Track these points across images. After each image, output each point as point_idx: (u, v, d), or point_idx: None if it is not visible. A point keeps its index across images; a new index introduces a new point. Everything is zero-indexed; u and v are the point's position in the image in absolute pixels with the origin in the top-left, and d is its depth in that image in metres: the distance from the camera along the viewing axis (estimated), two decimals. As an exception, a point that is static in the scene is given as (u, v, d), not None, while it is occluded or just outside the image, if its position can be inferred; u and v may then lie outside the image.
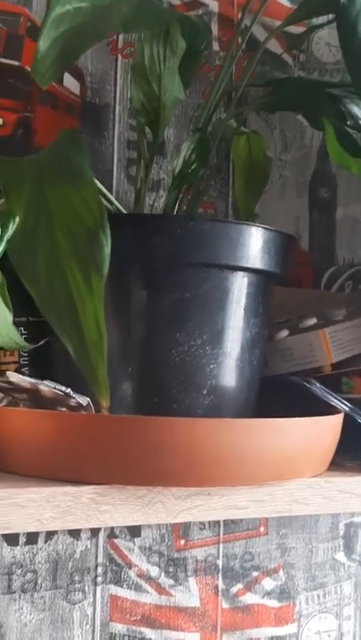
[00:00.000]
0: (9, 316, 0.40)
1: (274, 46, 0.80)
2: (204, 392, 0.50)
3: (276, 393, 0.57)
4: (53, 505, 0.40)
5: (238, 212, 0.73)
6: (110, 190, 0.71)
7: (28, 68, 0.69)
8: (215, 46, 0.77)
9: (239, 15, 0.77)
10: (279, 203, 0.80)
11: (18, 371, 0.54)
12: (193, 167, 0.51)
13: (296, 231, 0.81)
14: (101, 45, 0.71)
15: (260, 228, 0.51)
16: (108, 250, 0.33)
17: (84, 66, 0.71)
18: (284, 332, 0.59)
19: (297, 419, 0.46)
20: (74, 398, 0.44)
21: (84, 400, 0.44)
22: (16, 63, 0.68)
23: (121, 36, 0.71)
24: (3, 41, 0.68)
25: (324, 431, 0.48)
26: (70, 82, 0.71)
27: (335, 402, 0.55)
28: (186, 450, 0.42)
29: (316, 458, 0.48)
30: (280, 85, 0.56)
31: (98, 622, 0.69)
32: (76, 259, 0.32)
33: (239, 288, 0.51)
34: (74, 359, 0.33)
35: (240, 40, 0.61)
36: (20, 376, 0.45)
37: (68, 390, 0.43)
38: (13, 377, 0.45)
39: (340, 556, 0.80)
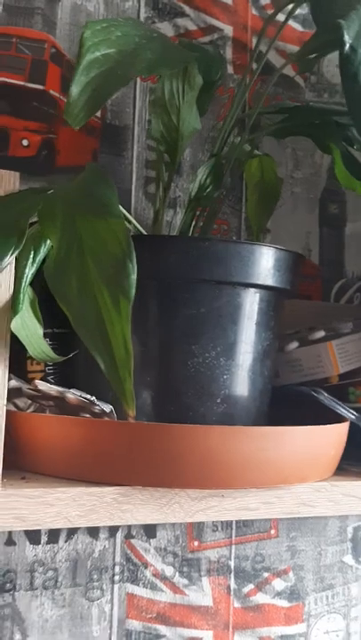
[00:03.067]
0: (40, 330, 0.43)
1: (287, 69, 0.83)
2: (218, 401, 0.54)
3: (287, 402, 0.60)
4: (79, 504, 0.43)
5: (251, 228, 0.77)
6: (129, 208, 0.74)
7: (53, 92, 0.73)
8: (229, 69, 0.80)
9: (253, 40, 0.81)
10: (290, 218, 0.83)
11: (43, 379, 0.58)
12: (208, 190, 0.55)
13: (306, 246, 0.84)
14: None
15: (270, 248, 0.54)
16: (134, 276, 0.37)
17: (105, 90, 0.75)
18: (294, 344, 0.62)
19: (305, 427, 0.49)
20: (98, 406, 0.47)
21: (107, 407, 0.48)
22: (41, 87, 0.72)
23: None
24: (28, 66, 0.72)
25: (330, 438, 0.51)
26: (92, 105, 0.75)
27: (342, 410, 0.59)
28: (202, 455, 0.45)
29: (322, 463, 0.51)
30: (291, 113, 0.59)
31: (115, 619, 0.72)
32: (106, 284, 0.36)
33: (251, 303, 0.55)
34: (104, 373, 0.36)
35: (255, 66, 0.64)
36: (48, 384, 0.49)
37: (93, 398, 0.47)
38: (41, 385, 0.48)
39: (348, 559, 0.83)
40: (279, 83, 0.82)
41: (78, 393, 0.47)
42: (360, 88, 0.40)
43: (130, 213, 0.74)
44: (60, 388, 0.48)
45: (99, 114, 0.75)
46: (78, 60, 0.39)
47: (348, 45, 0.39)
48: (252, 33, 0.82)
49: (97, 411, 0.48)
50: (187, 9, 0.78)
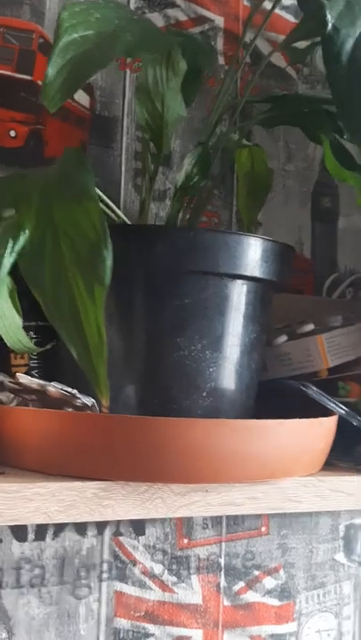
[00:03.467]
0: (19, 321, 0.42)
1: (278, 60, 0.82)
2: (204, 394, 0.53)
3: (275, 396, 0.59)
4: (59, 499, 0.42)
5: (242, 221, 0.76)
6: (118, 200, 0.73)
7: (40, 83, 0.72)
8: (221, 60, 0.79)
9: (242, 30, 0.80)
10: (282, 212, 0.82)
11: (27, 373, 0.57)
12: (195, 180, 0.54)
13: (299, 240, 0.83)
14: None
15: (258, 239, 0.53)
16: (109, 262, 0.36)
17: (94, 80, 0.74)
18: (283, 338, 0.61)
19: (291, 420, 0.48)
20: (79, 399, 0.46)
21: (89, 400, 0.47)
22: (29, 78, 0.71)
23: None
24: (16, 56, 0.71)
25: (317, 433, 0.50)
26: (80, 95, 0.74)
27: (331, 405, 0.58)
28: (185, 448, 0.44)
29: (309, 458, 0.50)
30: (281, 102, 0.58)
31: (103, 617, 0.71)
32: (80, 270, 0.35)
33: (238, 295, 0.54)
34: (77, 362, 0.35)
35: (243, 54, 0.63)
36: (30, 378, 0.48)
37: (75, 391, 0.46)
38: (23, 378, 0.47)
39: (340, 557, 0.82)
40: (271, 75, 0.81)
41: (60, 386, 0.46)
42: (343, 69, 0.39)
43: (118, 205, 0.73)
44: (41, 382, 0.47)
45: (87, 104, 0.74)
46: (55, 42, 0.38)
47: (330, 25, 0.38)
48: (243, 24, 0.81)
49: (79, 404, 0.47)
50: (177, -1, 0.77)
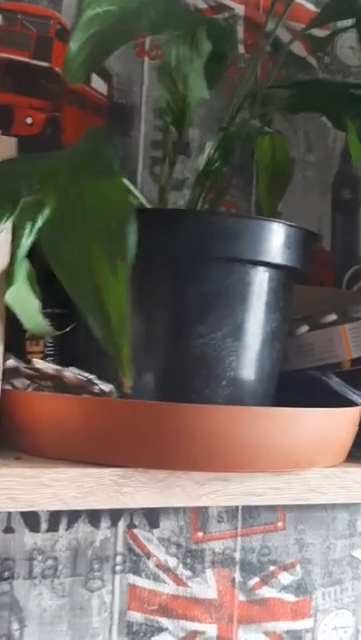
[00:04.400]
0: (36, 304, 0.41)
1: (299, 49, 0.81)
2: (224, 383, 0.52)
3: (296, 387, 0.58)
4: (77, 485, 0.41)
5: (261, 212, 0.75)
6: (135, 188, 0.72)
7: (58, 69, 0.71)
8: (241, 49, 0.78)
9: (264, 18, 0.79)
10: (302, 203, 0.81)
11: (43, 360, 0.56)
12: (216, 165, 0.53)
13: (318, 231, 0.82)
14: (129, 47, 0.73)
15: (281, 224, 0.52)
16: (133, 238, 0.35)
17: (112, 67, 0.73)
18: (305, 328, 0.60)
19: (315, 409, 0.47)
20: (97, 385, 0.46)
21: (106, 387, 0.46)
22: (46, 64, 0.71)
23: (148, 39, 0.73)
24: (33, 43, 0.70)
25: (341, 423, 0.49)
26: (98, 83, 0.73)
27: (354, 397, 0.56)
28: (207, 436, 0.43)
29: (332, 449, 0.49)
30: (304, 87, 0.57)
31: (116, 610, 0.70)
32: (104, 246, 0.34)
33: (260, 282, 0.53)
34: (100, 340, 0.34)
35: (265, 42, 0.62)
36: (46, 363, 0.47)
37: (92, 376, 0.45)
38: (39, 364, 0.47)
39: (358, 553, 0.81)
40: (292, 64, 0.80)
41: (77, 371, 0.45)
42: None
43: (136, 194, 0.72)
44: (57, 367, 0.46)
45: (105, 92, 0.73)
46: (78, 15, 0.37)
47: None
48: (264, 12, 0.80)
49: (96, 390, 0.46)
50: (197, -14, 0.76)
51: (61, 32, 0.71)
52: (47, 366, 0.47)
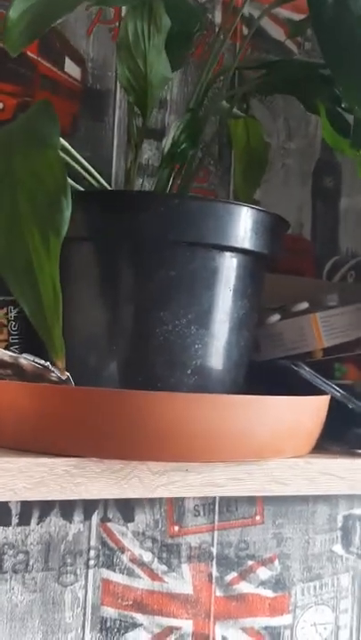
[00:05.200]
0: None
1: (279, 34, 0.80)
2: (189, 372, 0.50)
3: (267, 377, 0.57)
4: (27, 475, 0.40)
5: (239, 199, 0.73)
6: (109, 175, 0.71)
7: (30, 54, 0.69)
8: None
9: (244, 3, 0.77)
10: (282, 191, 0.79)
11: (7, 349, 0.55)
12: (183, 147, 0.51)
13: (299, 220, 0.80)
14: (103, 31, 0.72)
15: (248, 208, 0.51)
16: (67, 213, 0.33)
17: (86, 52, 0.71)
18: (276, 317, 0.59)
19: (278, 397, 0.45)
20: (54, 372, 0.44)
21: (64, 375, 0.44)
22: (18, 49, 0.69)
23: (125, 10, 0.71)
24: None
25: (306, 412, 0.48)
26: (71, 67, 0.71)
27: (325, 387, 0.55)
28: (164, 425, 0.42)
29: (298, 438, 0.47)
30: (274, 67, 0.55)
31: (89, 605, 0.69)
32: (36, 221, 0.33)
33: (227, 268, 0.51)
34: (30, 319, 0.33)
35: (233, 20, 0.61)
36: (2, 350, 0.45)
37: (47, 364, 0.44)
38: (-5, 351, 0.45)
39: (338, 548, 0.80)
40: (271, 49, 0.78)
41: (31, 358, 0.44)
42: (328, 10, 0.36)
43: (110, 180, 0.71)
44: (13, 354, 0.45)
45: (79, 77, 0.71)
46: (19, -17, 0.36)
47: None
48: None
49: (53, 378, 0.44)
50: (174, -31, 0.75)
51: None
52: (3, 353, 0.46)
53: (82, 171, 0.47)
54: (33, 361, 0.44)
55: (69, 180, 0.47)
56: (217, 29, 0.76)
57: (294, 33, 0.73)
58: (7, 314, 0.55)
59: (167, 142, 0.50)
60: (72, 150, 0.46)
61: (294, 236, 0.79)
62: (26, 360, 0.44)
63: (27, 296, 0.32)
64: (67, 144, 0.45)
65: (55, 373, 0.45)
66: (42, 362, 0.45)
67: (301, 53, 0.81)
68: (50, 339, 0.33)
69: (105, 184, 0.50)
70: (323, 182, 0.82)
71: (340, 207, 0.83)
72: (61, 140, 0.41)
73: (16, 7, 0.35)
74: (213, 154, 0.74)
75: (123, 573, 0.70)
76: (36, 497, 0.40)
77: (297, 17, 0.76)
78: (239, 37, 0.76)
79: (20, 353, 0.54)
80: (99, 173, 0.53)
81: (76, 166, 0.47)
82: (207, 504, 0.73)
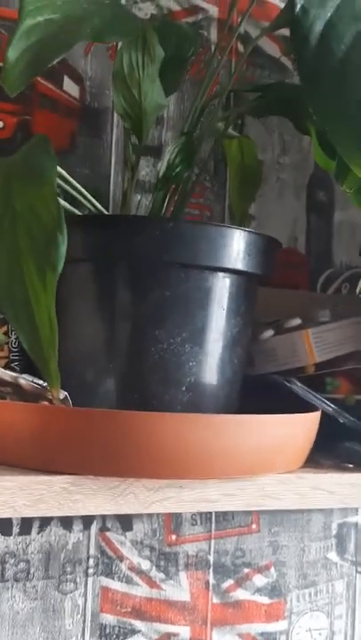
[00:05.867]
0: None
1: (274, 50, 0.81)
2: (183, 389, 0.52)
3: (260, 392, 0.58)
4: (27, 493, 0.42)
5: (234, 214, 0.75)
6: (107, 192, 0.72)
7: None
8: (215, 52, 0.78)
9: (239, 21, 0.79)
10: (277, 205, 0.81)
11: (7, 366, 0.56)
12: (178, 170, 0.53)
13: (293, 234, 0.82)
14: (101, 50, 0.73)
15: (240, 231, 0.52)
16: (63, 249, 0.35)
17: (84, 70, 0.73)
18: (269, 332, 0.60)
19: (269, 415, 0.47)
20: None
21: (61, 394, 0.46)
22: (18, 68, 0.70)
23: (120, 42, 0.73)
24: (4, 46, 0.70)
25: (297, 428, 0.49)
26: (70, 86, 0.73)
27: (317, 401, 0.56)
28: (157, 443, 0.44)
29: (288, 454, 0.49)
30: (268, 90, 0.57)
31: (89, 613, 0.70)
32: (34, 255, 0.34)
33: (220, 288, 0.53)
34: (27, 351, 0.35)
35: (229, 40, 0.62)
36: (2, 369, 0.47)
37: (45, 384, 0.45)
38: (-4, 371, 0.47)
39: (333, 556, 0.81)
40: (266, 65, 0.80)
41: (30, 378, 0.45)
42: (311, 51, 0.37)
43: (107, 198, 0.72)
44: (13, 374, 0.46)
45: (77, 95, 0.73)
46: (18, 24, 0.37)
47: (298, 6, 0.37)
48: (237, 14, 0.79)
49: (51, 397, 0.46)
50: (170, -12, 0.76)
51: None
52: (4, 373, 0.47)
53: (79, 196, 0.49)
54: (32, 381, 0.45)
55: (67, 205, 0.48)
56: (212, 47, 0.77)
57: (289, 50, 0.75)
58: (7, 332, 0.56)
59: (162, 165, 0.52)
60: (69, 178, 0.48)
61: (289, 249, 0.81)
62: (25, 380, 0.46)
63: (24, 328, 0.34)
64: (64, 172, 0.47)
65: (53, 393, 0.46)
66: (40, 382, 0.46)
67: (295, 69, 0.82)
68: (46, 369, 0.34)
69: (101, 208, 0.52)
70: (317, 196, 0.83)
71: (333, 220, 0.84)
72: (58, 169, 0.43)
73: (15, 47, 0.36)
74: (209, 170, 0.76)
75: (121, 581, 0.72)
76: (36, 514, 0.42)
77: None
78: (234, 54, 0.77)
79: (21, 369, 0.56)
80: (97, 190, 0.54)
81: (74, 192, 0.49)
82: (204, 514, 0.75)
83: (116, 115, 0.74)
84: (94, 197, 0.52)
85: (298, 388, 0.56)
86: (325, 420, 0.54)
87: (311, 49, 0.37)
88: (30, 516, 0.41)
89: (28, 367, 0.57)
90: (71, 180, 0.47)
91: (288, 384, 0.55)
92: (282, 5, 0.81)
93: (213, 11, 0.79)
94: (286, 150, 0.82)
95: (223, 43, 0.79)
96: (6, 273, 0.34)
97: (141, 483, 0.44)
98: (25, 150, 0.39)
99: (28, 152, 0.38)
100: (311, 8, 0.37)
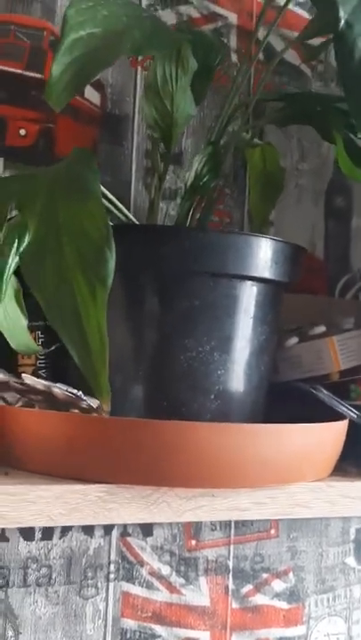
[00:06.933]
0: (24, 322, 0.42)
1: (293, 57, 0.81)
2: (212, 397, 0.52)
3: (286, 399, 0.59)
4: (63, 502, 0.42)
5: (253, 221, 0.75)
6: (128, 199, 0.73)
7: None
8: (234, 58, 0.78)
9: (255, 26, 0.79)
10: (295, 211, 0.81)
11: (34, 373, 0.57)
12: (205, 180, 0.53)
13: (311, 239, 0.82)
14: (122, 58, 0.73)
15: (267, 240, 0.53)
16: (112, 263, 0.35)
17: (105, 78, 0.73)
18: (294, 340, 0.61)
19: (299, 425, 0.47)
20: (85, 401, 0.46)
21: (94, 402, 0.46)
22: (39, 76, 0.71)
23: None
24: (27, 54, 0.71)
25: (326, 437, 0.49)
26: (91, 93, 0.73)
27: (342, 408, 0.57)
28: (191, 453, 0.44)
29: (318, 463, 0.49)
30: (293, 100, 0.57)
31: (110, 617, 0.71)
32: (83, 271, 0.34)
33: (247, 296, 0.53)
34: (78, 366, 0.35)
35: (256, 51, 0.63)
36: (35, 378, 0.47)
37: (80, 393, 0.45)
38: (28, 379, 0.47)
39: (351, 561, 0.81)
40: (285, 72, 0.80)
41: (64, 387, 0.46)
42: (356, 66, 0.38)
43: (129, 204, 0.73)
44: (46, 382, 0.47)
45: (98, 102, 0.73)
46: (61, 40, 0.38)
47: (343, 21, 0.37)
48: (257, 20, 0.80)
49: (84, 406, 0.46)
50: (190, -5, 0.77)
51: (55, 43, 0.71)
52: (36, 382, 0.48)
53: (110, 205, 0.49)
54: (66, 390, 0.46)
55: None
56: (232, 55, 0.77)
57: (309, 57, 0.75)
58: (35, 339, 0.57)
59: (189, 176, 0.52)
60: (103, 189, 0.48)
61: (307, 255, 0.81)
62: (59, 389, 0.46)
63: (75, 343, 0.34)
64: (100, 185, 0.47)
65: (86, 402, 0.47)
66: (74, 391, 0.46)
67: (315, 76, 0.82)
68: (97, 383, 0.34)
69: (132, 217, 0.52)
70: (335, 202, 0.83)
71: (351, 226, 0.84)
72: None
73: (59, 62, 0.37)
74: (229, 176, 0.76)
75: (142, 586, 0.72)
76: (72, 522, 0.42)
77: (312, 41, 0.78)
78: (255, 62, 0.78)
79: (48, 377, 0.56)
80: (118, 197, 0.55)
81: (106, 203, 0.49)
82: (215, 520, 0.75)
83: (136, 122, 0.74)
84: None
85: (323, 395, 0.57)
86: (350, 427, 0.54)
87: (356, 64, 0.38)
88: (66, 524, 0.42)
89: (54, 375, 0.57)
90: (105, 190, 0.47)
91: (314, 391, 0.56)
92: (303, 14, 0.82)
93: (233, 18, 0.79)
94: (305, 156, 0.82)
95: (243, 50, 0.79)
96: (54, 288, 0.35)
97: (174, 492, 0.44)
98: (67, 164, 0.39)
99: (71, 166, 0.38)
100: (355, 22, 0.37)
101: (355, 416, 0.57)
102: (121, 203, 0.55)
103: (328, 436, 0.49)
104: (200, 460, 0.44)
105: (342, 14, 0.38)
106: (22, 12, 0.70)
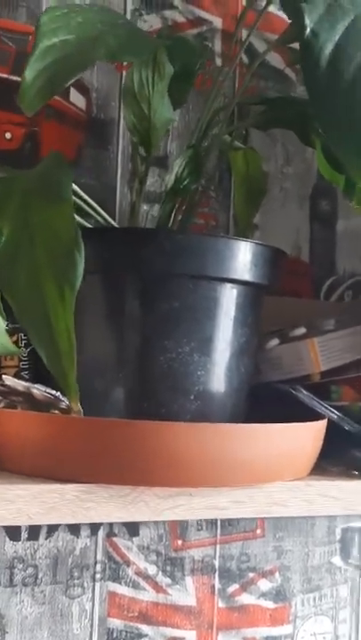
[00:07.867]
0: (2, 325, 0.42)
1: (277, 62, 0.82)
2: (192, 397, 0.53)
3: (266, 400, 0.59)
4: (40, 501, 0.43)
5: (238, 224, 0.76)
6: (114, 203, 0.73)
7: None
8: (219, 62, 0.79)
9: (243, 31, 0.80)
10: (280, 215, 0.82)
11: (18, 374, 0.57)
12: (186, 182, 0.54)
13: (296, 242, 0.83)
14: (107, 63, 0.74)
15: (247, 243, 0.53)
16: (81, 266, 0.36)
17: (90, 82, 0.74)
18: (275, 341, 0.61)
19: (276, 425, 0.48)
20: (63, 401, 0.47)
21: (77, 413, 0.47)
22: (25, 80, 0.72)
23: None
24: (12, 59, 0.71)
25: (305, 437, 0.50)
26: (76, 97, 0.74)
27: (322, 409, 0.57)
28: (168, 452, 0.44)
29: (297, 462, 0.50)
30: (273, 103, 0.58)
31: (96, 617, 0.71)
32: (53, 273, 0.35)
33: (227, 299, 0.54)
34: (47, 366, 0.35)
35: (236, 52, 0.63)
36: (15, 380, 0.48)
37: (58, 394, 0.46)
38: (8, 380, 0.48)
39: (337, 560, 0.82)
40: (269, 76, 0.81)
41: (43, 388, 0.46)
42: (322, 75, 0.38)
43: (114, 208, 0.73)
44: (26, 384, 0.47)
45: (84, 107, 0.74)
46: (34, 47, 0.38)
47: (308, 30, 0.38)
48: (242, 25, 0.80)
49: (63, 406, 0.47)
50: (175, 0, 0.77)
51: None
52: (16, 383, 0.48)
53: (88, 208, 0.50)
54: (45, 391, 0.46)
55: (76, 217, 0.49)
56: (217, 58, 0.78)
57: (294, 61, 0.76)
58: (18, 340, 0.57)
59: (170, 179, 0.53)
60: (78, 190, 0.49)
61: (292, 258, 0.82)
62: (38, 390, 0.47)
63: (44, 344, 0.35)
64: (76, 187, 0.48)
65: (65, 402, 0.47)
66: (52, 392, 0.47)
67: (299, 80, 0.83)
68: (65, 384, 0.35)
69: (111, 220, 0.53)
70: (320, 205, 0.84)
71: (336, 229, 0.85)
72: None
73: (32, 68, 0.37)
74: (214, 179, 0.77)
75: (128, 586, 0.72)
76: (49, 521, 0.43)
77: (296, 45, 0.79)
78: (239, 65, 0.78)
79: (30, 378, 0.57)
80: (103, 201, 0.55)
81: (84, 205, 0.50)
82: (209, 519, 0.76)
83: (122, 126, 0.75)
84: (101, 208, 0.53)
85: (304, 395, 0.57)
86: (331, 427, 0.55)
87: (321, 71, 0.38)
88: (44, 523, 0.42)
89: (38, 376, 0.58)
90: (80, 192, 0.48)
91: (294, 392, 0.56)
92: (282, 16, 0.82)
93: (217, 22, 0.80)
94: (290, 160, 0.83)
95: (229, 55, 0.80)
96: (26, 289, 0.35)
97: (152, 491, 0.45)
98: (41, 167, 0.40)
99: (45, 169, 0.39)
100: (321, 31, 0.38)
101: (335, 416, 0.57)
102: (106, 206, 0.56)
103: (306, 436, 0.50)
104: (178, 459, 0.45)
105: (308, 22, 0.38)
106: (7, 17, 0.71)
